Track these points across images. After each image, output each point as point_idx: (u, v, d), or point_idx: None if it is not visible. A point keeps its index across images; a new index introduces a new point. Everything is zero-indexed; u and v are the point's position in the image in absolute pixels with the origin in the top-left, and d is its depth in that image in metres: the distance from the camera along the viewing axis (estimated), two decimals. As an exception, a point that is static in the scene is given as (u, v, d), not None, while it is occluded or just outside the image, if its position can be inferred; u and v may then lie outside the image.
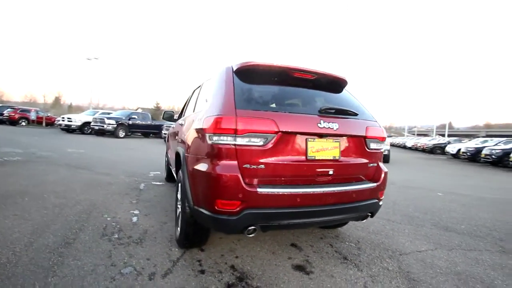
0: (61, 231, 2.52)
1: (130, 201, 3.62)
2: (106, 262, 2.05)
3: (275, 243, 2.59)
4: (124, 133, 15.88)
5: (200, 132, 1.92)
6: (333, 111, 2.00)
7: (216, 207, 1.71)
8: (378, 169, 2.22)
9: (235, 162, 1.72)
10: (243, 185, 1.69)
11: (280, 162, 1.80)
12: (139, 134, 18.03)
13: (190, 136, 2.12)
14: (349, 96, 2.40)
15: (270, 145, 1.76)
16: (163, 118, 4.30)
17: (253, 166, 1.74)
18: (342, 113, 2.05)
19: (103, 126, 15.15)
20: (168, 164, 4.67)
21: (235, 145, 1.72)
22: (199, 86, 3.12)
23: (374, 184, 2.13)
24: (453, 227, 3.36)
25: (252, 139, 1.74)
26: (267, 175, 1.78)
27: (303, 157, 1.87)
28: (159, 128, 18.41)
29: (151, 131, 18.16)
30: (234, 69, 2.06)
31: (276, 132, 1.77)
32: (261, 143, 1.75)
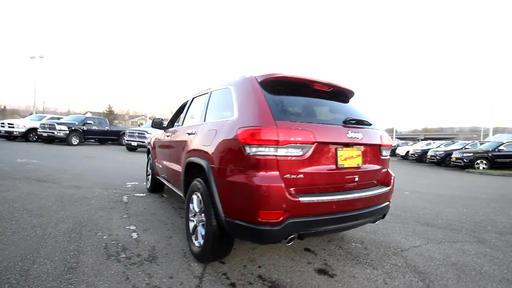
0: (57, 255, 2.23)
1: (119, 216, 3.33)
2: (126, 286, 1.87)
3: (289, 249, 2.63)
4: (77, 140, 14.45)
5: (233, 143, 1.89)
6: (355, 121, 2.14)
7: (259, 219, 1.69)
8: (388, 174, 2.42)
9: (277, 173, 1.74)
10: (287, 195, 1.71)
11: (316, 171, 1.87)
12: (93, 141, 16.54)
13: (217, 147, 2.06)
14: (356, 106, 2.57)
15: (307, 155, 1.82)
16: (152, 126, 4.06)
17: (293, 176, 1.77)
18: (361, 123, 2.20)
19: (53, 133, 13.59)
20: (153, 174, 4.41)
21: (276, 156, 1.74)
22: (200, 96, 3.04)
23: (387, 188, 2.32)
24: (432, 223, 3.77)
25: (293, 150, 1.78)
26: (305, 184, 1.83)
27: (334, 166, 1.96)
28: (117, 134, 17.18)
29: (108, 137, 16.83)
30: (259, 80, 2.08)
31: (314, 143, 1.84)
32: (300, 153, 1.80)
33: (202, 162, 2.18)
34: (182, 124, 3.27)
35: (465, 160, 12.74)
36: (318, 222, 1.83)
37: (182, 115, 3.40)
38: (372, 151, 2.24)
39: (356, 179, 2.07)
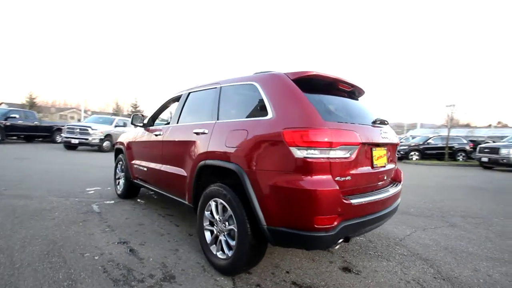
0: (47, 288, 1.78)
1: (101, 230, 2.84)
2: (157, 315, 1.59)
3: (304, 251, 2.60)
4: (-2, 138, 11.98)
5: (276, 145, 1.74)
6: (379, 121, 2.19)
7: (314, 225, 1.60)
8: (399, 170, 2.57)
9: (330, 176, 1.66)
10: (342, 198, 1.66)
11: (359, 173, 1.86)
12: (15, 138, 13.88)
13: (251, 149, 1.87)
14: (366, 105, 2.65)
15: (353, 157, 1.79)
16: (132, 123, 3.53)
17: (342, 178, 1.73)
18: (384, 123, 2.27)
19: (-39, 129, 10.97)
20: (128, 177, 3.89)
21: (329, 158, 1.67)
22: (203, 91, 2.75)
23: (400, 184, 2.46)
24: (407, 211, 4.18)
25: (343, 152, 1.72)
26: (351, 186, 1.80)
27: (370, 166, 1.98)
28: (49, 130, 14.82)
29: (38, 134, 14.38)
30: (293, 78, 1.97)
31: (359, 144, 1.81)
32: (348, 155, 1.76)
33: (231, 166, 1.97)
34: (177, 122, 2.92)
35: (401, 152, 14.59)
36: (364, 223, 1.82)
37: (175, 112, 3.04)
38: (392, 150, 2.34)
39: (385, 178, 2.14)
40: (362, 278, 2.16)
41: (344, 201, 1.68)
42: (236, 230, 1.94)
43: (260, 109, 2.01)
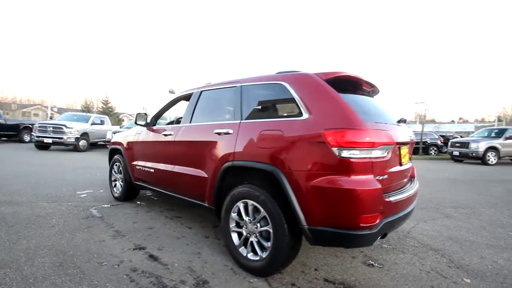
0: (76, 303, 1.64)
1: (110, 236, 2.69)
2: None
3: (325, 248, 2.64)
4: (-45, 138, 10.82)
5: (318, 146, 1.74)
6: (402, 121, 2.28)
7: (360, 224, 1.63)
8: (413, 167, 2.69)
9: (372, 175, 1.70)
10: (383, 196, 1.70)
11: (392, 171, 1.92)
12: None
13: (288, 150, 1.85)
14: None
15: (389, 156, 1.84)
16: (136, 122, 3.34)
17: (381, 177, 1.77)
18: (404, 122, 2.36)
19: None
20: (127, 179, 3.69)
21: (371, 158, 1.71)
22: (219, 89, 2.68)
23: (416, 180, 2.57)
24: (404, 204, 4.40)
25: (382, 151, 1.77)
26: (387, 184, 1.85)
27: (399, 165, 2.05)
28: (15, 129, 13.68)
29: (3, 133, 13.20)
30: (325, 78, 1.98)
31: (394, 143, 1.87)
32: (385, 154, 1.81)
33: (265, 167, 1.94)
34: (190, 122, 2.81)
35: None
36: (397, 220, 1.89)
37: (186, 112, 2.92)
38: (411, 148, 2.44)
39: (408, 175, 2.23)
40: (386, 271, 2.25)
41: (385, 199, 1.72)
42: (271, 231, 1.92)
43: (292, 109, 1.99)
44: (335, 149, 1.69)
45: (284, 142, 1.89)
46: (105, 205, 3.70)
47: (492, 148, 11.19)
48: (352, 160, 1.66)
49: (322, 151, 1.73)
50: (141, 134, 3.47)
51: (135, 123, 3.38)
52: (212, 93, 2.78)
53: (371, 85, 2.36)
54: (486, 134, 12.82)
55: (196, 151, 2.60)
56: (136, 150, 3.52)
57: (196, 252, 2.41)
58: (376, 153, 1.74)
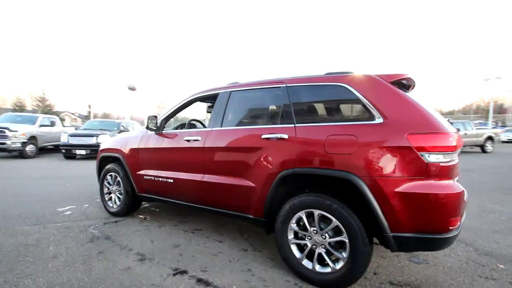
0: None
1: (136, 261, 2.31)
2: None
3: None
4: None
5: (401, 150, 1.69)
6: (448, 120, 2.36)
7: (449, 226, 1.64)
8: None
9: (453, 179, 1.72)
10: (464, 198, 1.73)
11: (458, 172, 1.97)
12: None
13: (367, 155, 1.75)
14: None
15: (458, 158, 1.89)
16: (148, 127, 2.90)
17: (456, 179, 1.81)
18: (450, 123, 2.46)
19: None
20: (129, 191, 3.24)
21: (453, 161, 1.73)
22: (256, 90, 2.48)
23: None
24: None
25: (456, 154, 1.80)
26: None
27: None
28: None
29: None
30: (389, 80, 1.94)
31: (461, 145, 1.91)
32: (457, 156, 1.85)
33: (340, 174, 1.83)
34: (221, 126, 2.54)
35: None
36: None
37: (213, 114, 2.62)
38: None
39: None
40: (434, 266, 2.33)
41: (465, 200, 1.76)
42: (347, 241, 1.83)
43: (360, 113, 1.92)
44: (421, 154, 1.66)
45: (360, 148, 1.80)
46: (105, 223, 3.19)
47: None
48: (440, 164, 1.66)
49: (407, 156, 1.69)
50: (150, 140, 3.05)
51: (147, 128, 2.95)
52: (246, 94, 2.55)
53: (414, 86, 2.39)
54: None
55: (236, 159, 2.36)
56: (144, 158, 3.09)
57: (246, 269, 2.20)
58: (455, 156, 1.76)
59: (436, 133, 1.68)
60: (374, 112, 1.86)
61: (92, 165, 9.05)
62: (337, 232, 1.90)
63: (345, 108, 2.08)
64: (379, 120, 1.83)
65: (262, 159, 2.20)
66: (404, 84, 2.09)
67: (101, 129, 10.53)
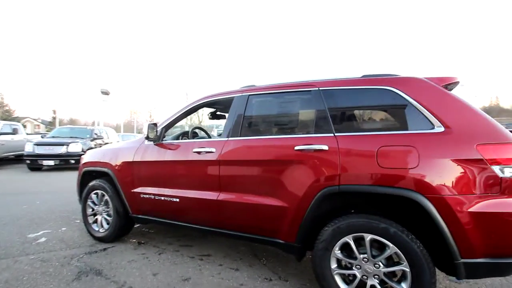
0: None
1: (139, 303, 1.86)
2: None
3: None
4: None
5: (471, 164, 1.47)
6: None
7: None
8: None
9: None
10: None
11: None
12: None
13: (429, 170, 1.51)
14: None
15: None
16: (148, 137, 2.45)
17: None
18: None
19: None
20: (120, 211, 2.76)
21: None
22: (277, 94, 2.17)
23: None
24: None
25: None
26: None
27: None
28: None
29: None
30: (442, 84, 1.74)
31: None
32: None
33: (399, 192, 1.56)
34: (239, 135, 2.18)
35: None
36: None
37: (229, 122, 2.26)
38: None
39: None
40: (473, 283, 2.15)
41: None
42: (408, 270, 1.56)
43: (414, 120, 1.68)
44: (495, 167, 1.45)
45: (421, 161, 1.55)
46: (91, 252, 2.66)
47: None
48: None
49: (478, 170, 1.47)
50: (148, 152, 2.61)
51: (147, 138, 2.50)
52: (268, 98, 2.23)
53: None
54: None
55: (262, 174, 2.02)
56: (140, 174, 2.63)
57: (280, 307, 1.86)
58: None
59: (508, 143, 1.48)
60: (432, 119, 1.63)
61: (62, 176, 8.18)
62: (391, 259, 1.63)
63: (394, 115, 1.83)
64: (439, 128, 1.60)
65: (295, 174, 1.88)
66: (449, 88, 1.90)
67: (71, 137, 9.59)
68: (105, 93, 16.53)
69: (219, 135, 3.50)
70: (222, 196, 2.18)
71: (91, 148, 9.55)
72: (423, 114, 1.66)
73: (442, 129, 1.59)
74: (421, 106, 1.67)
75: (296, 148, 1.89)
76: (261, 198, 2.02)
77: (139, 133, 36.19)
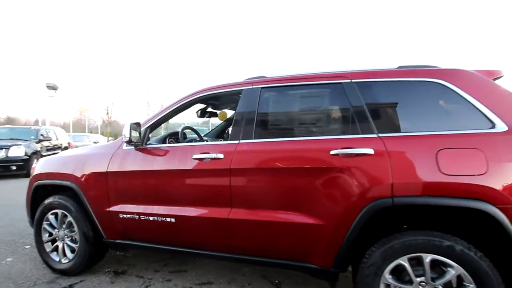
0: None
1: None
2: None
3: None
4: None
5: None
6: None
7: None
8: None
9: None
10: None
11: None
12: None
13: (498, 177, 1.29)
14: None
15: None
16: (130, 141, 1.88)
17: None
18: None
19: None
20: (88, 238, 2.16)
21: None
22: (296, 86, 1.80)
23: None
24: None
25: None
26: None
27: None
28: None
29: None
30: (492, 78, 1.57)
31: None
32: None
33: (468, 204, 1.31)
34: (253, 137, 1.77)
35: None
36: None
37: (239, 121, 1.83)
38: None
39: None
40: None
41: None
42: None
43: (469, 117, 1.45)
44: None
45: (490, 165, 1.32)
46: (63, 284, 2.03)
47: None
48: None
49: None
50: (128, 159, 2.05)
51: (129, 142, 1.93)
52: (286, 91, 1.85)
53: None
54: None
55: (288, 184, 1.64)
56: (119, 187, 2.05)
57: None
58: None
59: None
60: (493, 117, 1.41)
61: (2, 187, 6.79)
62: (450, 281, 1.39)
63: (443, 112, 1.58)
64: (502, 128, 1.39)
65: (332, 185, 1.54)
66: None
67: (12, 139, 8.13)
68: (52, 87, 14.39)
69: (217, 137, 3.03)
70: (235, 213, 1.75)
71: (37, 151, 8.22)
72: (480, 111, 1.44)
73: (505, 128, 1.38)
74: (478, 102, 1.45)
75: (332, 152, 1.55)
76: (285, 215, 1.64)
77: (91, 132, 32.85)
